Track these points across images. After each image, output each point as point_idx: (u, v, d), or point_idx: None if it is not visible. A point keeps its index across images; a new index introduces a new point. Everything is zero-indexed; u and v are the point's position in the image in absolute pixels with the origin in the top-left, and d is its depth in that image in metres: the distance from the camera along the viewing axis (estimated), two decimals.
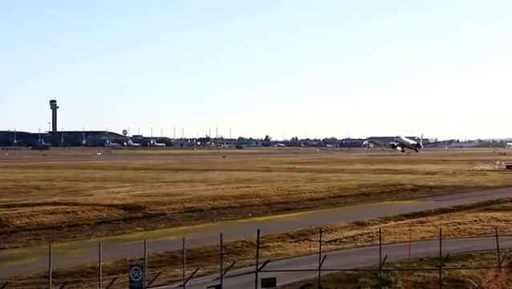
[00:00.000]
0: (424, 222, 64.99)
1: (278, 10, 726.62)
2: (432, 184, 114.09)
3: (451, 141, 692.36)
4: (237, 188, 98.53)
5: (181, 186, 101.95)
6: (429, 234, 55.40)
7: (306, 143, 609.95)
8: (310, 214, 74.22)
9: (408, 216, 71.53)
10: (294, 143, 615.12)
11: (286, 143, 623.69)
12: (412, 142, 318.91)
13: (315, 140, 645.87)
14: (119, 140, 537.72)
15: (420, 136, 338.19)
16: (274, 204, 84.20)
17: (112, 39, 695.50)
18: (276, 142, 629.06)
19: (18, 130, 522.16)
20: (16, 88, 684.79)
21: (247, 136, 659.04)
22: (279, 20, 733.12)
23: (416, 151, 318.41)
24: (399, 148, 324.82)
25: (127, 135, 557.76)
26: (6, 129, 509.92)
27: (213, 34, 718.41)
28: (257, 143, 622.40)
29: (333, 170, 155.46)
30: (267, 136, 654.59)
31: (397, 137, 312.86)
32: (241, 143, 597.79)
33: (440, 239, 37.67)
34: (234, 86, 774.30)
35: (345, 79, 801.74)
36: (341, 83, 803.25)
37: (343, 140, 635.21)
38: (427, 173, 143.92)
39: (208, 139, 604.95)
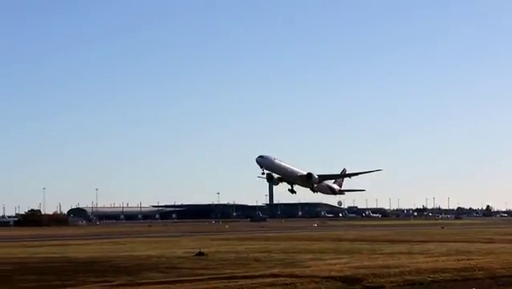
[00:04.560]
0: None
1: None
2: None
3: None
4: (458, 260, 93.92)
5: (399, 258, 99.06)
6: None
7: None
8: None
9: None
10: None
11: (509, 213, 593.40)
12: (297, 171, 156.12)
13: None
14: (334, 211, 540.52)
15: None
16: (500, 277, 79.21)
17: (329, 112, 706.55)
18: (498, 212, 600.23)
19: (237, 202, 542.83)
20: (235, 162, 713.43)
21: (466, 206, 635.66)
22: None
23: (313, 190, 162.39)
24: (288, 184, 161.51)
25: (342, 206, 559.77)
26: (226, 202, 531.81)
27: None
28: (477, 213, 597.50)
29: None
30: (488, 206, 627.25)
31: (261, 157, 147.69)
32: (459, 213, 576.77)
33: None
34: (442, 156, 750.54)
35: None
36: None
37: None
38: None
39: (425, 209, 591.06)
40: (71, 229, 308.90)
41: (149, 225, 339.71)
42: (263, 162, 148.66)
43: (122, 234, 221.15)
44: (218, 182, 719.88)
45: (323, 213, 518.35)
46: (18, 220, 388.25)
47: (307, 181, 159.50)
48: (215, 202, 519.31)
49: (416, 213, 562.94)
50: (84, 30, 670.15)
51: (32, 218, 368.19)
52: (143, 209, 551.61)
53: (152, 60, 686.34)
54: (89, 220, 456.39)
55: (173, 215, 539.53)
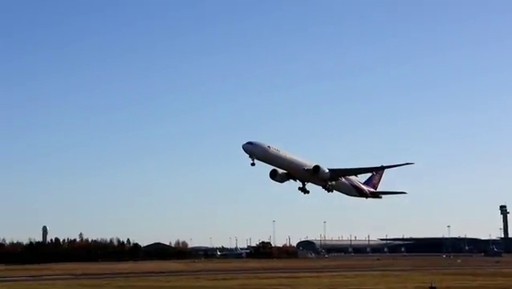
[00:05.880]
0: None
1: None
2: None
3: None
4: None
5: None
6: None
7: None
8: None
9: None
10: None
11: None
12: (303, 164, 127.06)
13: None
14: None
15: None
16: None
17: None
18: None
19: (468, 236, 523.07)
20: (467, 194, 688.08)
21: None
22: None
23: (327, 188, 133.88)
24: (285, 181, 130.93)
25: None
26: (457, 235, 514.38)
27: None
28: None
29: None
30: None
31: (250, 144, 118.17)
32: None
33: None
34: None
35: None
36: None
37: None
38: None
39: None
40: (300, 261, 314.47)
41: (378, 259, 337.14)
42: (253, 150, 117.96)
43: (350, 267, 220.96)
44: (449, 215, 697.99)
45: None
46: (250, 252, 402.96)
47: (316, 176, 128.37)
48: (445, 236, 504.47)
49: None
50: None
51: (263, 250, 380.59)
52: (371, 242, 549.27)
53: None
54: (317, 252, 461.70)
55: (402, 248, 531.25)
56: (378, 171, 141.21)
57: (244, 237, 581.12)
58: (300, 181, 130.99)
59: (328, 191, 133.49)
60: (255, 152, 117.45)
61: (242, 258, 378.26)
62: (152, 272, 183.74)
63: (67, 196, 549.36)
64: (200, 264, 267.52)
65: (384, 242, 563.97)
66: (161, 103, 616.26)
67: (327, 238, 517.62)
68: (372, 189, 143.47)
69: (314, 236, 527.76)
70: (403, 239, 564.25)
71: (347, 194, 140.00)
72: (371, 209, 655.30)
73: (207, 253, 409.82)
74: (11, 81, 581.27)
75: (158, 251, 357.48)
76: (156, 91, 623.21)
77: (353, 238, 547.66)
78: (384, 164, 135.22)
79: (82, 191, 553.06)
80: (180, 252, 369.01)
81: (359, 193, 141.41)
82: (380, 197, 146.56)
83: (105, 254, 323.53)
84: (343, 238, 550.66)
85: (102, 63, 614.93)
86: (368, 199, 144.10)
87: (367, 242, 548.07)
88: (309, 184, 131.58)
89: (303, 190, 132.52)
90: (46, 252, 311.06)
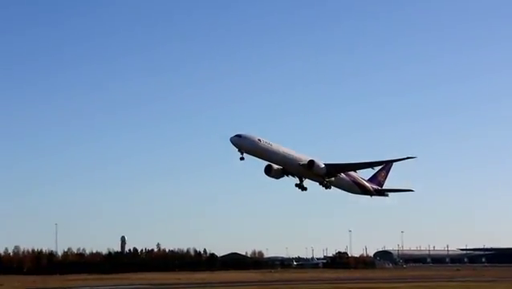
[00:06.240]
0: None
1: None
2: None
3: None
4: None
5: None
6: None
7: None
8: None
9: None
10: None
11: None
12: (297, 158, 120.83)
13: None
14: None
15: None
16: None
17: None
18: None
19: None
20: None
21: None
22: None
23: (324, 184, 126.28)
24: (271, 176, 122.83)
25: None
26: None
27: None
28: None
29: None
30: None
31: (238, 137, 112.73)
32: None
33: None
34: None
35: None
36: None
37: None
38: None
39: None
40: (377, 271, 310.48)
41: (457, 269, 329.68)
42: (241, 143, 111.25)
43: (429, 277, 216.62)
44: None
45: None
46: (327, 262, 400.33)
47: (311, 171, 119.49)
48: None
49: None
50: None
51: (340, 260, 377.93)
52: (450, 252, 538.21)
53: None
54: (395, 263, 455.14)
55: (483, 259, 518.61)
56: (384, 166, 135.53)
57: (320, 247, 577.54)
58: (297, 177, 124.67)
59: (326, 188, 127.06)
60: (244, 145, 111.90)
61: (319, 268, 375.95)
62: (230, 282, 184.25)
63: (144, 206, 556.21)
64: (277, 274, 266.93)
65: (464, 252, 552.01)
66: (231, 110, 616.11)
67: (404, 248, 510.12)
68: (377, 187, 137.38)
69: (391, 246, 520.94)
70: (484, 249, 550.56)
71: (349, 191, 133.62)
72: (451, 219, 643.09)
73: (283, 263, 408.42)
74: (89, 85, 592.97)
75: (234, 261, 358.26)
76: (227, 98, 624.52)
77: (431, 248, 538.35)
78: (382, 160, 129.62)
79: (159, 201, 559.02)
80: (256, 262, 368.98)
81: (362, 190, 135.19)
82: (387, 195, 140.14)
83: (182, 264, 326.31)
84: (422, 248, 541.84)
85: (181, 67, 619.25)
86: (373, 197, 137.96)
87: (446, 252, 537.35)
88: (306, 181, 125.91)
89: (300, 187, 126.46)
90: (124, 262, 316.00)
